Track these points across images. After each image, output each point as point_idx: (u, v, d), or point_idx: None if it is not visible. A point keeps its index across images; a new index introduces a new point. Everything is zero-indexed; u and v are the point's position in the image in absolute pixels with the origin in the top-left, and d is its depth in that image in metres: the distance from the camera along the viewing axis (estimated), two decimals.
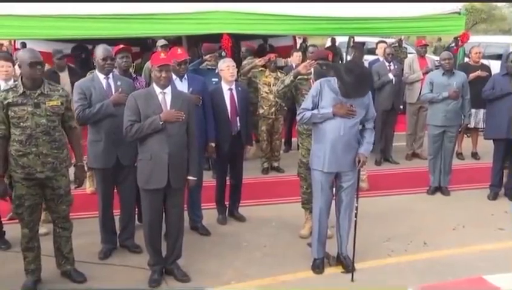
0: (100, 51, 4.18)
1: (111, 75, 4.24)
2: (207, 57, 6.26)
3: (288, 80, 4.41)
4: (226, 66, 5.02)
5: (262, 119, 6.76)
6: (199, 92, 4.64)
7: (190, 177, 3.91)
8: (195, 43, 10.38)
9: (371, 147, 4.13)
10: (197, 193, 4.84)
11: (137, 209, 4.66)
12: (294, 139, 7.39)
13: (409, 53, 11.40)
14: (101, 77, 4.22)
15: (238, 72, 5.71)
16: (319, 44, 13.28)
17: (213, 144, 4.87)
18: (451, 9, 7.92)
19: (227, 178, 5.27)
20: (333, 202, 4.22)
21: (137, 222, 4.69)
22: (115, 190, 4.45)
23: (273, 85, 6.37)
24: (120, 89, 4.16)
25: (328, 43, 14.86)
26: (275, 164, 6.99)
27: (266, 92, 6.64)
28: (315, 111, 3.92)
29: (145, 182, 3.80)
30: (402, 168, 7.27)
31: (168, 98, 3.79)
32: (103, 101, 4.13)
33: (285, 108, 6.94)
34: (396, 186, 6.41)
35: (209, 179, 5.83)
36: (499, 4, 46.02)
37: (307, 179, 4.58)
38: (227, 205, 5.34)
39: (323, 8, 7.11)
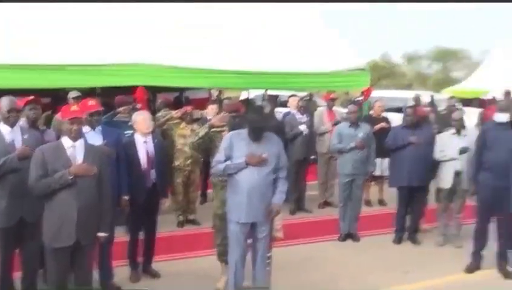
0: (4, 103, 4.03)
1: (17, 128, 4.07)
2: (120, 109, 6.19)
3: (202, 132, 4.48)
4: (142, 119, 4.99)
5: (178, 171, 6.71)
6: (113, 144, 4.56)
7: (100, 234, 3.78)
8: (109, 95, 10.20)
9: (284, 196, 4.25)
10: (108, 249, 4.64)
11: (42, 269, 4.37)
12: (210, 191, 7.38)
13: (319, 106, 11.98)
14: (5, 129, 4.04)
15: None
16: (234, 96, 13.58)
17: (126, 197, 4.75)
18: (357, 66, 8.51)
19: (141, 232, 5.13)
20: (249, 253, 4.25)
21: None
22: (18, 250, 4.17)
23: (188, 137, 6.40)
24: (25, 143, 4.00)
25: (243, 96, 15.23)
26: (191, 217, 6.91)
27: (182, 144, 6.65)
28: (228, 162, 4.00)
29: (52, 239, 3.61)
30: (315, 216, 7.49)
31: (79, 151, 3.69)
32: (6, 155, 3.94)
33: (201, 159, 6.96)
34: (310, 234, 6.58)
35: (121, 234, 5.63)
36: (399, 62, 50.22)
37: (222, 231, 4.58)
38: (141, 261, 5.16)
39: (238, 62, 7.33)
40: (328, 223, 7.00)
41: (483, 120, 9.36)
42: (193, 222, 6.86)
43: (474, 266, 5.42)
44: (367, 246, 6.21)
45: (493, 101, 10.67)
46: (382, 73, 45.83)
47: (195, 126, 6.71)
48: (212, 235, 4.89)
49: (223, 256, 4.72)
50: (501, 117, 5.14)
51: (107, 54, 6.43)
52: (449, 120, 6.41)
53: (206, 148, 4.62)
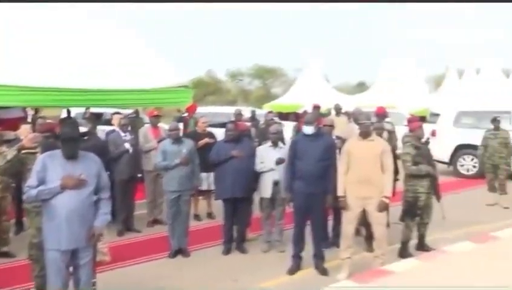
0: None
1: None
2: None
3: (10, 155, 4.11)
4: None
5: None
6: None
7: None
8: None
9: (109, 218, 4.09)
10: None
11: None
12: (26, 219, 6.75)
13: (146, 123, 11.85)
14: None
15: None
16: (53, 115, 12.67)
17: None
18: (180, 83, 8.61)
19: None
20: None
21: None
22: None
23: None
24: None
25: (64, 115, 14.31)
26: (4, 249, 6.22)
27: None
28: (41, 187, 3.72)
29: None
30: (145, 235, 7.36)
31: None
32: None
33: (13, 185, 6.33)
34: (140, 254, 6.44)
35: None
36: (224, 79, 52.43)
37: (39, 261, 4.23)
38: None
39: (57, 79, 6.87)
40: (158, 241, 6.94)
41: (298, 132, 10.27)
42: (6, 255, 6.17)
43: (295, 267, 5.87)
44: (197, 260, 6.30)
45: (304, 114, 11.77)
46: (208, 89, 47.29)
47: (4, 148, 6.08)
48: (30, 267, 4.48)
49: (42, 288, 4.35)
50: (308, 129, 5.70)
51: None
52: (267, 133, 6.88)
53: (16, 172, 4.24)
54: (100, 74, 7.65)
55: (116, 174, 7.19)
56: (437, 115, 16.65)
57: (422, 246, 6.56)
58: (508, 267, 4.30)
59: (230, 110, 13.25)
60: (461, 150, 12.72)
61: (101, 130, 8.60)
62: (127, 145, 7.26)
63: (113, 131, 7.95)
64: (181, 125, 8.69)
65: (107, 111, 12.82)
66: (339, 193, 5.55)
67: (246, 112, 12.70)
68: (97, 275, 4.49)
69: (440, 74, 38.25)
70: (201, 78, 47.54)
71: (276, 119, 12.12)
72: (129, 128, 7.53)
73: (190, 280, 5.66)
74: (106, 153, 6.96)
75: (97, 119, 11.63)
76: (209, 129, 8.48)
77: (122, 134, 7.36)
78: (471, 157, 12.59)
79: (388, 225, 6.49)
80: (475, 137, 11.84)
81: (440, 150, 12.13)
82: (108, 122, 11.72)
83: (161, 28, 65.63)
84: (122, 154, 7.23)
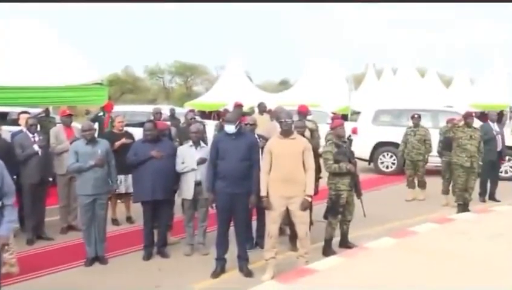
0: None
1: None
2: None
3: None
4: None
5: None
6: None
7: None
8: None
9: (14, 226, 3.87)
10: None
11: None
12: None
13: (58, 123, 11.33)
14: None
15: None
16: None
17: None
18: (95, 80, 8.34)
19: None
20: None
21: None
22: None
23: None
24: None
25: None
26: None
27: None
28: None
29: None
30: (58, 243, 7.05)
31: None
32: None
33: None
34: (53, 263, 6.15)
35: None
36: (142, 76, 51.41)
37: None
38: None
39: None
40: (73, 249, 6.70)
41: (221, 131, 10.29)
42: None
43: (219, 270, 5.88)
44: (116, 268, 6.13)
45: (226, 113, 11.83)
46: (126, 87, 46.15)
47: None
48: None
49: None
50: (229, 128, 5.74)
51: None
52: (188, 133, 6.83)
53: None
54: (5, 69, 7.25)
55: (24, 179, 6.86)
56: (358, 113, 17.43)
57: (345, 243, 6.81)
58: (425, 260, 4.58)
59: (149, 108, 13.02)
60: (380, 147, 13.35)
61: (7, 130, 8.10)
62: (36, 147, 6.92)
63: (20, 132, 7.53)
64: (96, 126, 8.43)
65: (13, 110, 12.13)
66: (262, 192, 5.62)
67: (166, 110, 12.52)
68: (4, 288, 4.23)
69: (360, 73, 40.01)
70: (118, 76, 46.33)
71: (198, 118, 12.08)
72: (38, 128, 7.18)
73: (109, 288, 5.48)
74: (12, 155, 6.60)
75: (2, 119, 11.00)
76: (127, 129, 8.29)
77: (30, 135, 6.99)
78: (390, 154, 13.26)
79: (311, 223, 6.69)
80: (393, 134, 12.55)
81: (361, 147, 12.68)
82: (15, 123, 11.09)
83: (75, 22, 63.04)
84: (30, 157, 6.88)
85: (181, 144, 7.65)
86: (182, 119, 11.43)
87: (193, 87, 53.18)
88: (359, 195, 6.71)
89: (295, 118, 6.79)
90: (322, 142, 7.81)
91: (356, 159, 6.95)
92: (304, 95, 23.92)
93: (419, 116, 10.25)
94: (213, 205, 5.93)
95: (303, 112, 8.08)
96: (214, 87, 30.68)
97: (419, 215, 8.40)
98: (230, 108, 12.90)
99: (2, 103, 7.93)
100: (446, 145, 9.53)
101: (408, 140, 10.07)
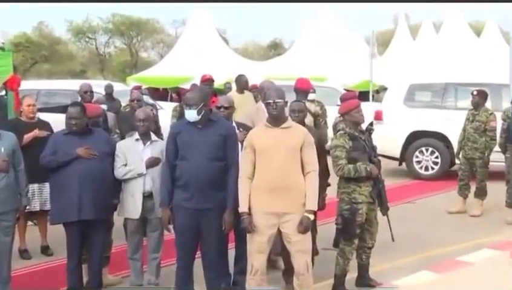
0: None
1: None
2: None
3: None
4: None
5: None
6: None
7: None
8: None
9: None
10: None
11: None
12: None
13: None
14: None
15: None
16: None
17: None
18: None
19: None
20: None
21: None
22: None
23: None
24: None
25: None
26: None
27: None
28: None
29: None
30: None
31: None
32: None
33: None
34: None
35: None
36: (64, 37, 51.09)
37: None
38: None
39: None
40: None
41: (181, 118, 10.29)
42: None
43: None
44: None
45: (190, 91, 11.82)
46: (40, 54, 45.82)
47: None
48: None
49: None
50: (191, 114, 5.82)
51: None
52: (133, 121, 6.81)
53: None
54: None
55: None
56: (384, 89, 17.50)
57: (364, 281, 6.85)
58: None
59: (74, 85, 12.94)
60: (417, 139, 13.42)
61: None
62: None
63: None
64: None
65: None
66: (242, 207, 5.65)
67: (100, 87, 12.48)
68: None
69: (388, 30, 40.20)
70: (28, 36, 45.92)
71: (147, 98, 12.08)
72: None
73: None
74: None
75: None
76: (41, 116, 8.25)
77: None
78: (430, 149, 13.34)
79: (315, 253, 6.73)
80: (436, 120, 12.62)
81: (388, 140, 12.71)
82: None
83: None
84: None
85: (122, 138, 7.63)
86: (124, 102, 11.41)
87: (140, 53, 53.06)
88: (384, 210, 6.76)
89: (291, 98, 6.82)
90: (330, 132, 7.86)
91: (380, 157, 7.01)
92: (304, 63, 24.04)
93: (481, 94, 10.22)
94: (171, 226, 5.94)
95: (303, 89, 8.13)
96: (172, 53, 30.69)
97: (472, 239, 8.46)
98: (196, 83, 12.89)
99: None
100: None
101: (466, 128, 10.14)
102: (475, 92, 10.20)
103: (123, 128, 8.51)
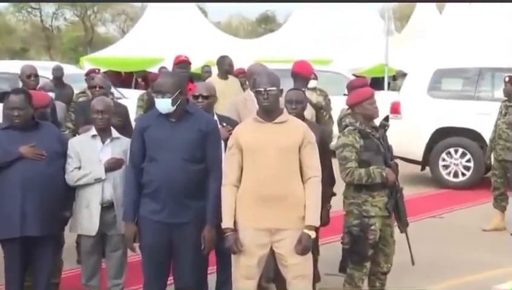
0: None
1: None
2: None
3: None
4: None
5: None
6: None
7: None
8: None
9: None
10: None
11: None
12: None
13: None
14: None
15: None
16: None
17: None
18: None
19: None
20: None
21: None
22: None
23: None
24: None
25: None
26: None
27: None
28: None
29: None
30: None
31: None
32: None
33: None
34: None
35: None
36: (4, 5, 50.88)
37: None
38: None
39: None
40: None
41: (150, 109, 10.31)
42: None
43: None
44: None
45: (160, 75, 11.83)
46: None
47: None
48: None
49: None
50: (163, 104, 5.80)
51: None
52: (90, 112, 6.82)
53: None
54: None
55: None
56: (403, 75, 17.53)
57: None
58: None
59: (14, 67, 12.93)
60: (444, 138, 13.51)
61: None
62: None
63: None
64: None
65: None
66: (226, 222, 5.66)
67: (47, 71, 12.46)
68: None
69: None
70: None
71: (103, 82, 12.01)
72: None
73: None
74: None
75: None
76: None
77: None
78: (461, 151, 13.41)
79: (317, 279, 6.77)
80: (467, 115, 12.66)
81: (408, 139, 12.80)
82: None
83: None
84: None
85: (76, 134, 7.64)
86: (77, 88, 11.41)
87: (97, 27, 52.96)
88: (403, 226, 6.80)
89: (287, 85, 6.85)
90: (336, 129, 7.90)
91: (398, 160, 7.05)
92: (303, 42, 24.07)
93: None
94: (136, 245, 5.97)
95: (302, 75, 8.16)
96: (136, 28, 30.67)
97: (509, 262, 8.51)
98: (169, 67, 12.91)
99: None
100: None
101: (497, 123, 10.12)
102: (507, 79, 10.20)
103: (77, 121, 8.46)
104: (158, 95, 5.81)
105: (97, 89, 9.22)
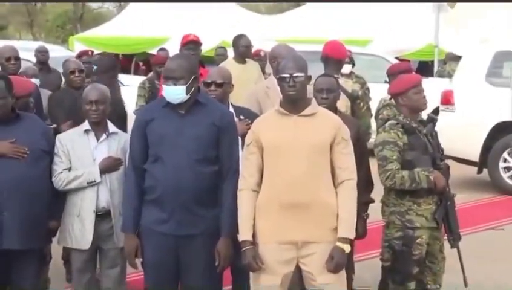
0: None
1: None
2: None
3: None
4: None
5: None
6: None
7: None
8: None
9: None
10: None
11: None
12: None
13: None
14: None
15: None
16: None
17: None
18: None
19: None
20: None
21: None
22: None
23: None
24: None
25: None
26: None
27: None
28: None
29: None
30: None
31: None
32: None
33: None
34: None
35: None
36: None
37: None
38: None
39: None
40: None
41: (153, 99, 10.39)
42: None
43: None
44: None
45: (165, 59, 11.91)
46: None
47: None
48: None
49: None
50: (172, 92, 5.81)
51: None
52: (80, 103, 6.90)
53: None
54: None
55: None
56: (457, 58, 17.51)
57: None
58: None
59: None
60: (505, 135, 13.50)
61: None
62: None
63: None
64: None
65: None
66: (243, 234, 5.70)
67: (29, 53, 12.54)
68: None
69: None
70: None
71: (80, 65, 12.09)
72: None
73: None
74: None
75: None
76: None
77: None
78: None
79: None
80: None
81: (462, 136, 12.79)
82: None
83: None
84: None
85: (56, 130, 7.67)
86: (66, 77, 11.49)
87: (85, 5, 53.10)
88: (455, 240, 6.83)
89: (317, 70, 6.89)
90: (374, 123, 7.94)
91: (449, 161, 7.07)
92: (336, 20, 24.06)
93: None
94: (138, 261, 6.02)
95: (335, 58, 8.18)
96: (136, 1, 30.72)
97: None
98: (173, 49, 12.97)
99: None
100: None
101: None
102: None
103: (56, 115, 8.42)
104: (169, 81, 5.78)
105: (76, 74, 9.11)
